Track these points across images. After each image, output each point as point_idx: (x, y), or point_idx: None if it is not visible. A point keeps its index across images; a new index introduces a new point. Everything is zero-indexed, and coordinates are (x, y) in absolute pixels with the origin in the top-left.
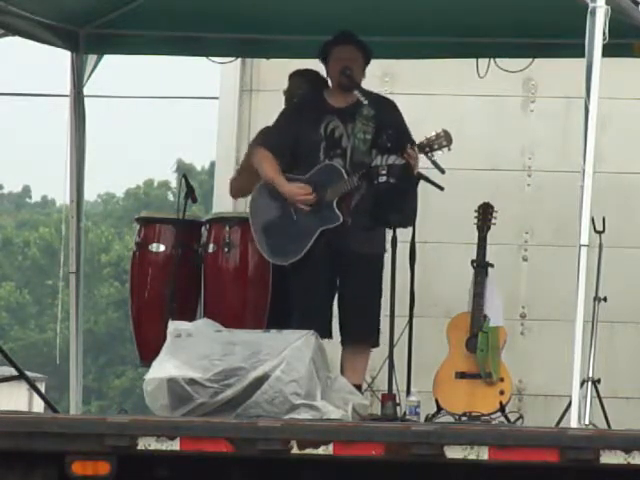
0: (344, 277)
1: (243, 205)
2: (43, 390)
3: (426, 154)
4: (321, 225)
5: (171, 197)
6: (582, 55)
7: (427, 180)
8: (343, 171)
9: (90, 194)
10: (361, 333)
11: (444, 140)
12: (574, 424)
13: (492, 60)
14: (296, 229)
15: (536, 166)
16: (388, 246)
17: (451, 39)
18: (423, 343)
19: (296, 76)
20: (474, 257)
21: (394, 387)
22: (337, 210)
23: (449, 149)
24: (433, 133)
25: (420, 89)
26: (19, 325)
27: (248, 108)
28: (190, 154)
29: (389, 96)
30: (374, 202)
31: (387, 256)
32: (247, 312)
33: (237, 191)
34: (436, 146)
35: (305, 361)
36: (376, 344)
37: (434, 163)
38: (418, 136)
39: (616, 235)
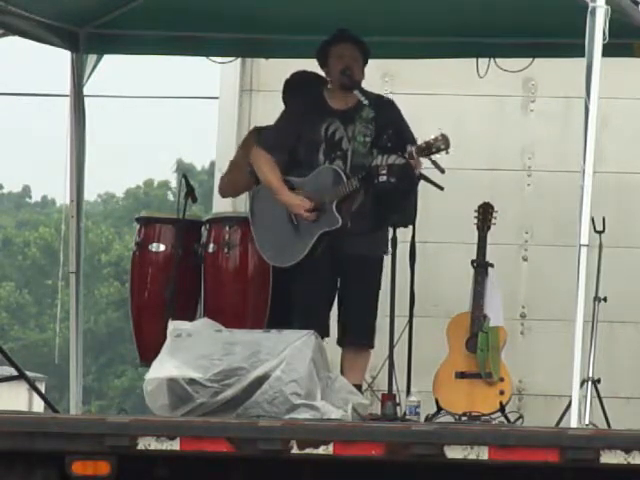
0: (344, 279)
1: (243, 205)
2: (43, 390)
3: (425, 157)
4: (321, 228)
5: (171, 197)
6: (582, 55)
7: (427, 180)
8: (343, 174)
9: (90, 194)
10: (361, 335)
11: (442, 143)
12: (574, 424)
13: (492, 60)
14: (296, 232)
15: (536, 166)
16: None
17: (451, 39)
18: (423, 343)
19: (294, 77)
20: (474, 257)
21: (394, 387)
22: (337, 213)
23: (447, 152)
24: (432, 136)
25: (420, 89)
26: (19, 325)
27: (248, 108)
28: (190, 154)
29: (389, 96)
30: (374, 202)
31: (387, 256)
32: (247, 312)
33: (225, 188)
34: (434, 149)
35: (305, 361)
36: (372, 345)
37: (434, 163)
38: (418, 137)
39: (616, 235)
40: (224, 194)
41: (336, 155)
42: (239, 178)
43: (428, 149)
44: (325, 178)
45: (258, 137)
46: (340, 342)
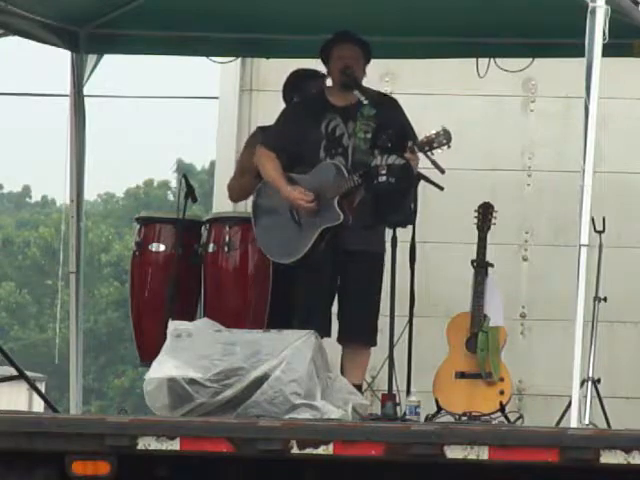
0: (345, 276)
1: (243, 205)
2: (43, 390)
3: (426, 153)
4: (322, 224)
5: (171, 197)
6: (582, 55)
7: (427, 180)
8: (344, 170)
9: (90, 194)
10: (361, 332)
11: (444, 138)
12: (574, 424)
13: (492, 60)
14: (297, 228)
15: (536, 166)
16: (388, 245)
17: (451, 39)
18: (423, 343)
19: (295, 76)
20: (474, 257)
21: (394, 387)
22: (338, 209)
23: (449, 147)
24: (433, 131)
25: (420, 89)
26: (19, 325)
27: (248, 108)
28: (190, 154)
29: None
30: (374, 201)
31: (387, 256)
32: (247, 312)
33: (236, 193)
34: (436, 144)
35: (305, 361)
36: (374, 343)
37: (434, 163)
38: (418, 136)
39: (616, 235)
40: (236, 199)
41: (337, 152)
42: (249, 182)
43: (430, 144)
44: (327, 173)
45: (262, 136)
46: (340, 340)
